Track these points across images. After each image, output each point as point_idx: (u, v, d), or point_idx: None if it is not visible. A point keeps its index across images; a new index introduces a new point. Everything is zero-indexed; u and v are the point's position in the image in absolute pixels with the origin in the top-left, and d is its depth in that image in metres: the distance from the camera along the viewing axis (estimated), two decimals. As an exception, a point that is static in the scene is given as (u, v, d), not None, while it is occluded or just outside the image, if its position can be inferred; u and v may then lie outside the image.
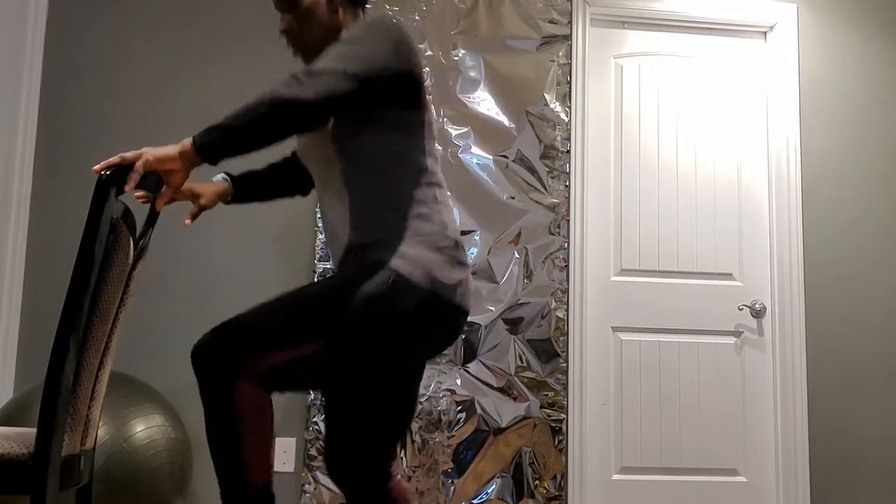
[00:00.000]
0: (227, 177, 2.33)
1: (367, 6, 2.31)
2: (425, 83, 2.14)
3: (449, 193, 2.21)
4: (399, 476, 2.12)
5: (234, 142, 1.89)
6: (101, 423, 2.97)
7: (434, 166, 2.14)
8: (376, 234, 2.03)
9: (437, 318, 2.03)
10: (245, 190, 2.36)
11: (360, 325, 1.95)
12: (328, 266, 3.68)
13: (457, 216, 3.73)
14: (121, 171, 1.78)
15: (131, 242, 1.86)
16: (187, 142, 1.89)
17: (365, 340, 1.97)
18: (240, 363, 1.91)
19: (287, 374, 1.97)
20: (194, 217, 2.22)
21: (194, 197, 2.23)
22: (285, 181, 2.44)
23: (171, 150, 1.89)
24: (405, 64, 2.04)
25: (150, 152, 1.87)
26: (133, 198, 2.08)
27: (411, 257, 1.99)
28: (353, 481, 2.03)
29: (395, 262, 1.98)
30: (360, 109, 2.05)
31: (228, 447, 1.93)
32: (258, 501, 1.95)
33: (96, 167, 1.78)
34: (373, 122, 2.06)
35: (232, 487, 1.94)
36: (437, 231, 2.06)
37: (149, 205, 2.05)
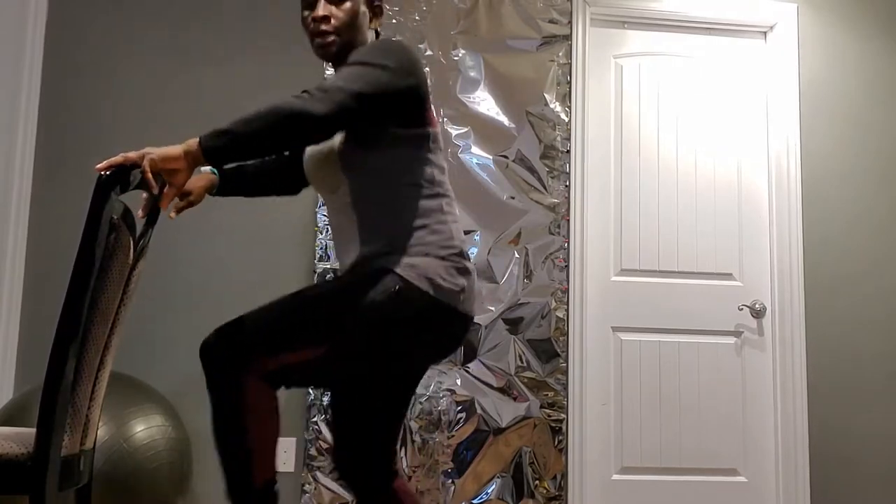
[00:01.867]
0: (214, 170, 2.32)
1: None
2: (429, 97, 2.17)
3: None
4: (402, 476, 2.17)
5: (241, 148, 1.91)
6: (100, 423, 2.97)
7: (441, 177, 2.18)
8: (383, 245, 2.08)
9: (440, 325, 2.07)
10: (232, 185, 2.37)
11: (366, 330, 1.99)
12: (328, 266, 3.68)
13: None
14: (121, 171, 1.78)
15: (131, 242, 1.86)
16: (192, 143, 1.90)
17: (370, 345, 2.01)
18: (248, 360, 1.94)
19: (294, 372, 2.01)
20: (179, 211, 2.22)
21: (184, 193, 2.23)
22: (275, 180, 2.45)
23: (176, 150, 1.90)
24: (411, 83, 2.07)
25: (155, 152, 1.88)
26: (133, 196, 2.07)
27: (416, 265, 2.04)
28: (363, 479, 2.09)
29: (400, 270, 2.02)
30: (366, 128, 2.09)
31: (235, 443, 1.95)
32: (263, 497, 1.96)
33: (99, 165, 1.79)
34: (379, 140, 2.10)
35: (237, 483, 1.96)
36: (442, 240, 2.10)
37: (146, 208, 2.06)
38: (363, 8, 2.23)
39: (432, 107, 2.21)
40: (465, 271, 2.11)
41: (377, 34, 2.33)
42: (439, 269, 2.05)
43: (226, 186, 2.36)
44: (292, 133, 1.93)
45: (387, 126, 2.10)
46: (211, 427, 1.98)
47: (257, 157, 1.94)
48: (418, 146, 2.14)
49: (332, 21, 2.19)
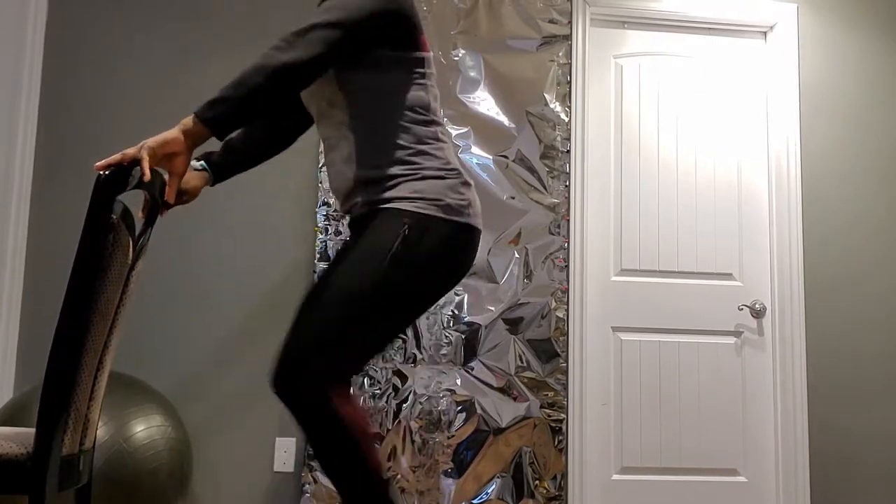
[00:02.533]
0: (203, 164, 2.31)
1: None
2: (419, 24, 2.18)
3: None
4: (356, 396, 2.10)
5: (240, 112, 1.93)
6: (100, 423, 2.97)
7: (434, 104, 2.20)
8: (381, 169, 2.09)
9: (456, 242, 2.10)
10: (225, 167, 2.34)
11: (402, 285, 2.03)
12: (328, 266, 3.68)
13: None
14: (119, 171, 1.78)
15: (130, 242, 1.86)
16: (188, 121, 1.91)
17: (411, 294, 2.06)
18: (329, 382, 1.95)
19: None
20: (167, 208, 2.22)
21: (179, 193, 2.23)
22: (266, 141, 2.41)
23: (172, 133, 1.91)
24: (393, 5, 2.09)
25: (151, 140, 1.88)
26: (132, 195, 2.07)
27: (419, 191, 2.06)
28: (300, 392, 1.97)
29: (403, 204, 2.05)
30: (356, 52, 2.10)
31: (358, 469, 1.95)
32: (389, 498, 1.98)
33: (98, 164, 1.79)
34: (370, 62, 2.12)
35: (369, 498, 1.96)
36: (439, 165, 2.13)
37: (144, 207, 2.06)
38: None
39: (424, 34, 2.22)
40: (466, 185, 2.14)
41: None
42: (443, 189, 2.08)
43: (220, 172, 2.33)
44: (285, 86, 1.95)
45: (378, 48, 2.11)
46: (321, 461, 1.96)
47: (257, 116, 1.96)
48: (411, 70, 2.16)
49: None
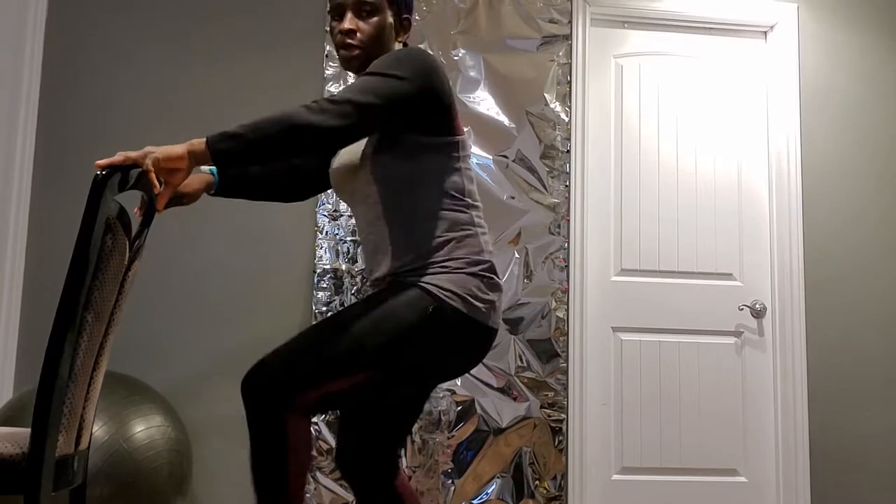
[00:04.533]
0: (214, 171, 2.31)
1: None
2: (454, 106, 2.18)
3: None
4: (403, 473, 2.19)
5: (248, 153, 1.93)
6: (100, 424, 2.97)
7: (470, 187, 2.20)
8: (414, 258, 2.10)
9: (472, 340, 2.11)
10: (234, 186, 2.36)
11: (405, 355, 2.04)
12: (328, 266, 3.68)
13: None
14: (117, 172, 1.78)
15: (127, 243, 1.86)
16: (197, 143, 1.91)
17: (408, 368, 2.07)
18: (293, 395, 1.98)
19: (331, 400, 2.06)
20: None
21: (178, 195, 2.23)
22: (282, 186, 2.44)
23: (179, 149, 1.91)
24: (427, 90, 2.08)
25: (158, 151, 1.89)
26: (130, 196, 2.07)
27: (449, 283, 2.07)
28: (365, 478, 2.09)
29: (433, 289, 2.05)
30: (391, 137, 2.11)
31: (273, 481, 1.98)
32: None
33: (99, 162, 1.79)
34: (403, 149, 2.12)
35: None
36: (472, 253, 2.13)
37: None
38: (390, 20, 2.23)
39: (458, 115, 2.21)
40: (495, 287, 2.15)
41: (405, 46, 2.31)
42: (471, 286, 2.09)
43: (227, 188, 2.35)
44: (300, 144, 1.94)
45: (411, 135, 2.11)
46: (249, 461, 2.01)
47: (263, 162, 1.96)
48: (446, 155, 2.16)
49: (359, 34, 2.20)
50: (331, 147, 1.99)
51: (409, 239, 2.11)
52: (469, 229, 2.15)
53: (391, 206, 2.13)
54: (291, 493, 1.99)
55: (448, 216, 2.13)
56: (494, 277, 2.15)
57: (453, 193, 2.15)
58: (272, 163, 1.99)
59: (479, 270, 2.12)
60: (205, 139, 1.92)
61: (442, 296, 2.05)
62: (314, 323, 2.16)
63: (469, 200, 2.18)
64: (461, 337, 2.09)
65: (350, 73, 3.09)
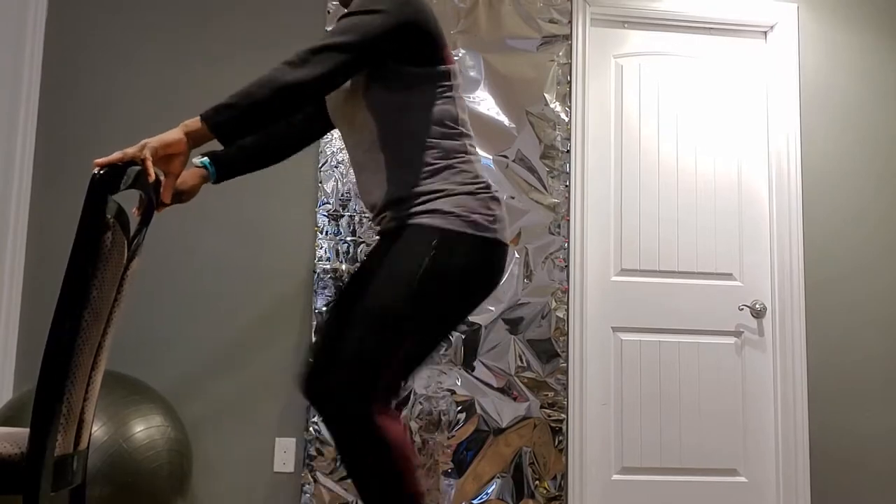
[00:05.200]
0: (206, 162, 2.30)
1: None
2: (441, 36, 2.18)
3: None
4: (397, 413, 2.08)
5: (247, 121, 1.94)
6: (100, 423, 2.97)
7: (463, 116, 2.22)
8: (410, 187, 2.11)
9: (487, 257, 2.12)
10: (234, 166, 2.33)
11: (431, 305, 2.06)
12: (328, 266, 3.68)
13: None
14: (115, 170, 1.78)
15: (125, 242, 1.86)
16: (192, 122, 1.92)
17: (443, 310, 2.10)
18: (376, 397, 1.95)
19: (395, 379, 2.08)
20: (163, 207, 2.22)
21: (176, 193, 2.23)
22: (283, 143, 2.41)
23: (175, 134, 1.92)
24: (408, 20, 2.09)
25: (153, 140, 1.88)
26: (128, 195, 2.07)
27: (447, 208, 2.08)
28: (340, 406, 1.96)
29: (433, 220, 2.06)
30: (378, 69, 2.12)
31: (395, 489, 1.94)
32: None
33: (98, 160, 1.79)
34: (395, 80, 2.14)
35: None
36: (468, 179, 2.14)
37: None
38: None
39: (448, 47, 2.22)
40: (495, 199, 2.16)
41: None
42: (473, 204, 2.10)
43: (227, 170, 2.32)
44: (289, 103, 1.96)
45: (400, 66, 2.13)
46: (354, 478, 1.94)
47: (263, 127, 1.97)
48: (436, 84, 2.17)
49: None
50: (322, 94, 2.00)
51: (403, 168, 2.13)
52: (462, 156, 2.17)
53: (385, 133, 2.15)
54: (417, 491, 1.96)
55: (442, 144, 2.15)
56: (493, 192, 2.16)
57: (446, 122, 2.17)
58: (272, 124, 1.98)
59: (477, 189, 2.14)
60: (198, 117, 1.92)
61: (442, 224, 2.06)
62: (338, 311, 2.13)
63: (462, 129, 2.20)
64: (473, 257, 2.09)
65: None
